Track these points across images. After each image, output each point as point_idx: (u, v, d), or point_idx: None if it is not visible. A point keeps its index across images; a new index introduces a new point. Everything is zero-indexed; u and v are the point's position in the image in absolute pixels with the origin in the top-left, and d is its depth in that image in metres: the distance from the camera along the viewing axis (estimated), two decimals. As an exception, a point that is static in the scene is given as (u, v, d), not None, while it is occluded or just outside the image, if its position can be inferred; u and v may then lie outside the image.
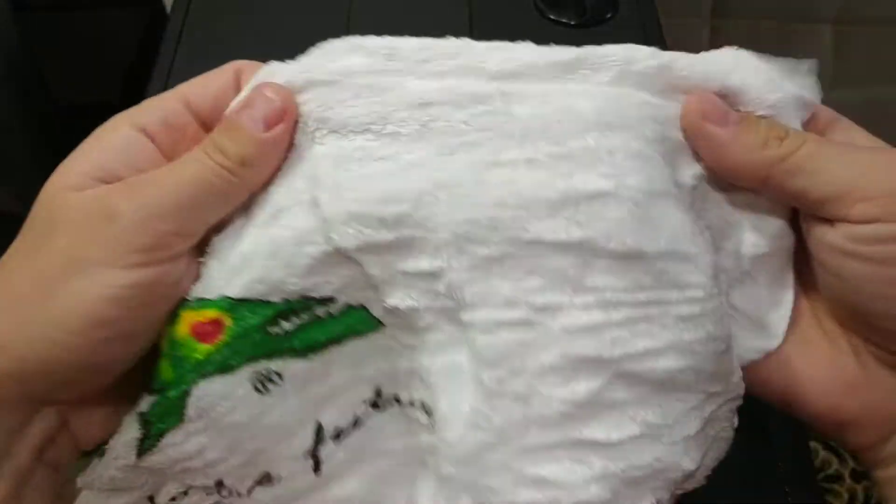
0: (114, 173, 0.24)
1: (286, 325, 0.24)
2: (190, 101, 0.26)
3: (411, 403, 0.27)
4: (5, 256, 0.24)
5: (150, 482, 0.26)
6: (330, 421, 0.27)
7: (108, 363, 0.24)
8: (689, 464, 0.26)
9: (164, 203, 0.23)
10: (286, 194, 0.25)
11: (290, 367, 0.25)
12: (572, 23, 0.56)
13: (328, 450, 0.27)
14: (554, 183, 0.24)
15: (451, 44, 0.25)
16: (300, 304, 0.24)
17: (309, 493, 0.28)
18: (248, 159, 0.23)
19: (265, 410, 0.26)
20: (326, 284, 0.25)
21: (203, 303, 0.24)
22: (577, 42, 0.59)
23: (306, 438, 0.27)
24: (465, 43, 0.25)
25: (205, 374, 0.24)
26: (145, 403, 0.24)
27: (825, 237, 0.24)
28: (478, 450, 0.25)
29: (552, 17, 0.56)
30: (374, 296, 0.25)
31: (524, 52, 0.25)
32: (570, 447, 0.25)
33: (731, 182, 0.26)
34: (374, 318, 0.26)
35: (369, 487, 0.28)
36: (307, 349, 0.25)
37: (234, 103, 0.25)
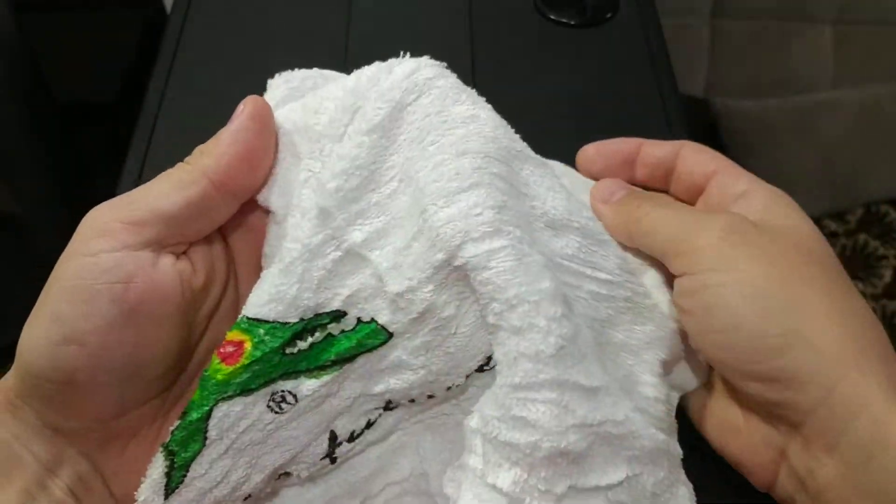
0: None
1: (302, 345, 0.25)
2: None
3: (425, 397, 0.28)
4: None
5: None
6: (344, 428, 0.28)
7: (119, 363, 0.24)
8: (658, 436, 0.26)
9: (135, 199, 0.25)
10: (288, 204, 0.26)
11: (304, 386, 0.26)
12: (572, 23, 0.56)
13: (343, 448, 0.28)
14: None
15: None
16: (314, 322, 0.25)
17: (325, 475, 0.29)
18: (205, 149, 0.25)
19: (280, 427, 0.26)
20: (337, 297, 0.25)
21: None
22: (578, 42, 0.59)
23: (321, 445, 0.28)
24: None
25: (225, 397, 0.25)
26: (169, 437, 0.25)
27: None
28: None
29: (552, 17, 0.56)
30: (381, 303, 0.26)
31: None
32: (557, 388, 0.24)
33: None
34: (383, 328, 0.26)
35: (379, 462, 0.30)
36: (319, 369, 0.26)
37: None
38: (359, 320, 0.26)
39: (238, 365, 0.24)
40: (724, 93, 1.02)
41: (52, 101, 0.78)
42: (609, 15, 0.57)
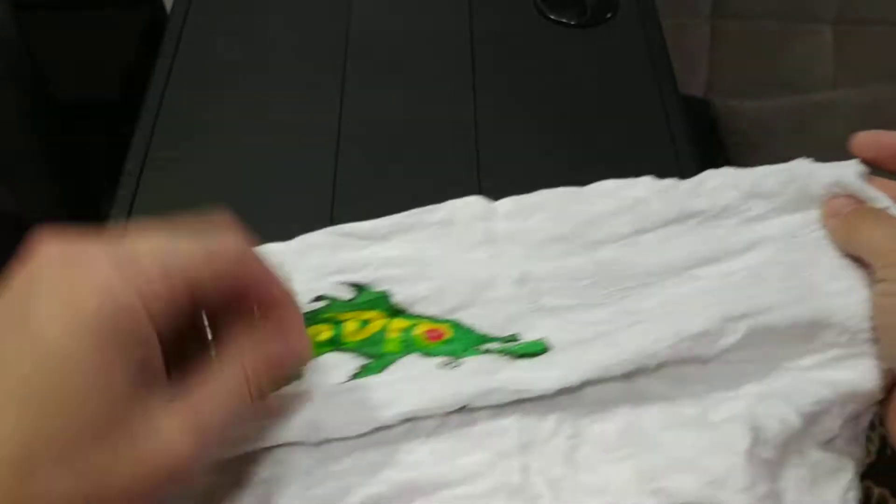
0: None
1: (488, 346, 0.33)
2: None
3: None
4: None
5: None
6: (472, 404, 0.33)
7: None
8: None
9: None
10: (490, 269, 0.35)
11: (470, 362, 0.33)
12: (572, 23, 0.56)
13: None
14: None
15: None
16: (496, 338, 0.33)
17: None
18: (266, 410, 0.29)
19: (435, 377, 0.33)
20: (520, 333, 0.34)
21: (434, 319, 0.34)
22: (577, 42, 0.59)
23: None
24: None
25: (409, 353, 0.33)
26: (360, 361, 0.33)
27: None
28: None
29: (552, 17, 0.56)
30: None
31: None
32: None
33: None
34: (545, 344, 0.33)
35: None
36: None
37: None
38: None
39: (439, 342, 0.34)
40: (724, 93, 1.02)
41: (52, 101, 0.78)
42: (609, 15, 0.57)
